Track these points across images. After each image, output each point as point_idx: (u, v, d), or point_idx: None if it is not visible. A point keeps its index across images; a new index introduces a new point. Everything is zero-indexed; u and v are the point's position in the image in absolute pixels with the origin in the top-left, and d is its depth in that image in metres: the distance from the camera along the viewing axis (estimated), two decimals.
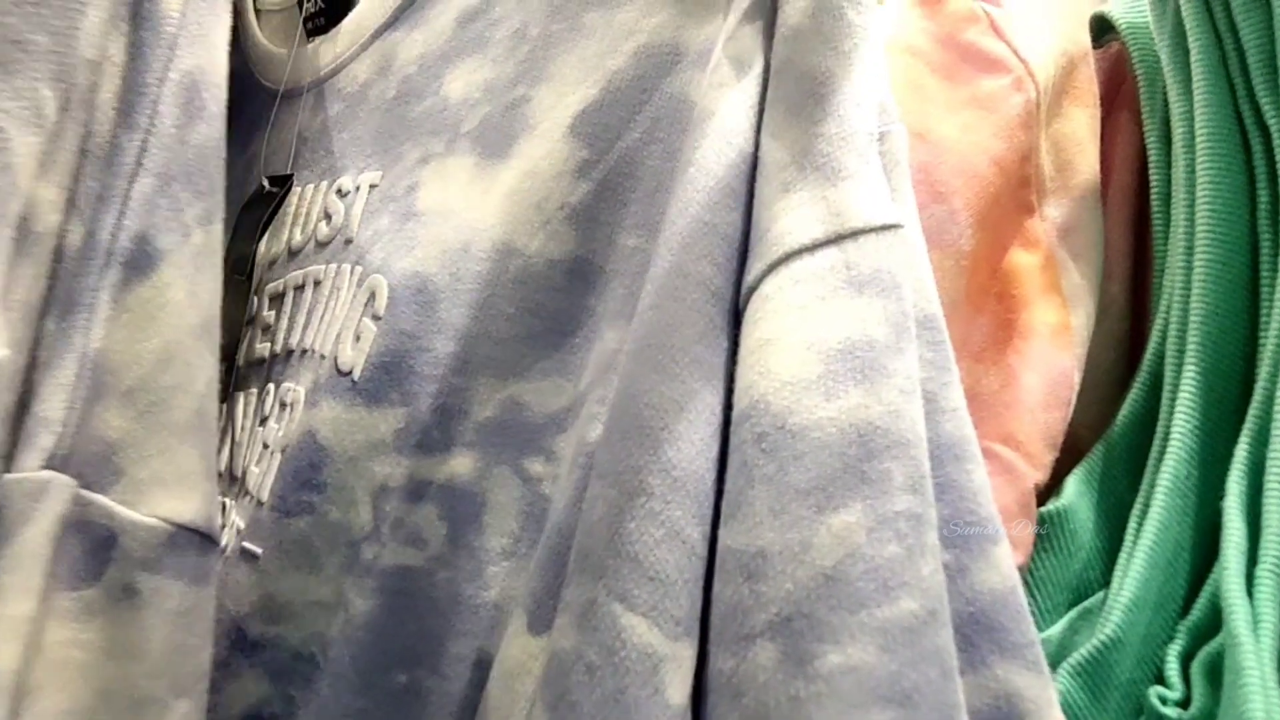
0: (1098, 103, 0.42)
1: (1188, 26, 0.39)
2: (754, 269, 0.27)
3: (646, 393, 0.27)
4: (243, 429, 0.42)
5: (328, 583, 0.34)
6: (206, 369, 0.34)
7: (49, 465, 0.30)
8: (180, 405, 0.33)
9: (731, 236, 0.28)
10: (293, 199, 0.44)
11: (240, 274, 0.43)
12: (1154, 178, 0.41)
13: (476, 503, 0.32)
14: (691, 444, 0.26)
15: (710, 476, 0.26)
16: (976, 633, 0.26)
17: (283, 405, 0.39)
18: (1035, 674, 0.26)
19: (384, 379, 0.34)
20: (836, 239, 0.26)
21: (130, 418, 0.31)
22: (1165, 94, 0.40)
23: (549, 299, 0.33)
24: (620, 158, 0.32)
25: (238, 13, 0.54)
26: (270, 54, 0.50)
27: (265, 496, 0.36)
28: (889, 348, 0.26)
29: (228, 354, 0.42)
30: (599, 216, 0.32)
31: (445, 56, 0.38)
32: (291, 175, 0.44)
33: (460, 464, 0.32)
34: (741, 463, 0.25)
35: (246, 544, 0.36)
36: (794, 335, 0.26)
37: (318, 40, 0.46)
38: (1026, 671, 0.26)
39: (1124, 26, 0.42)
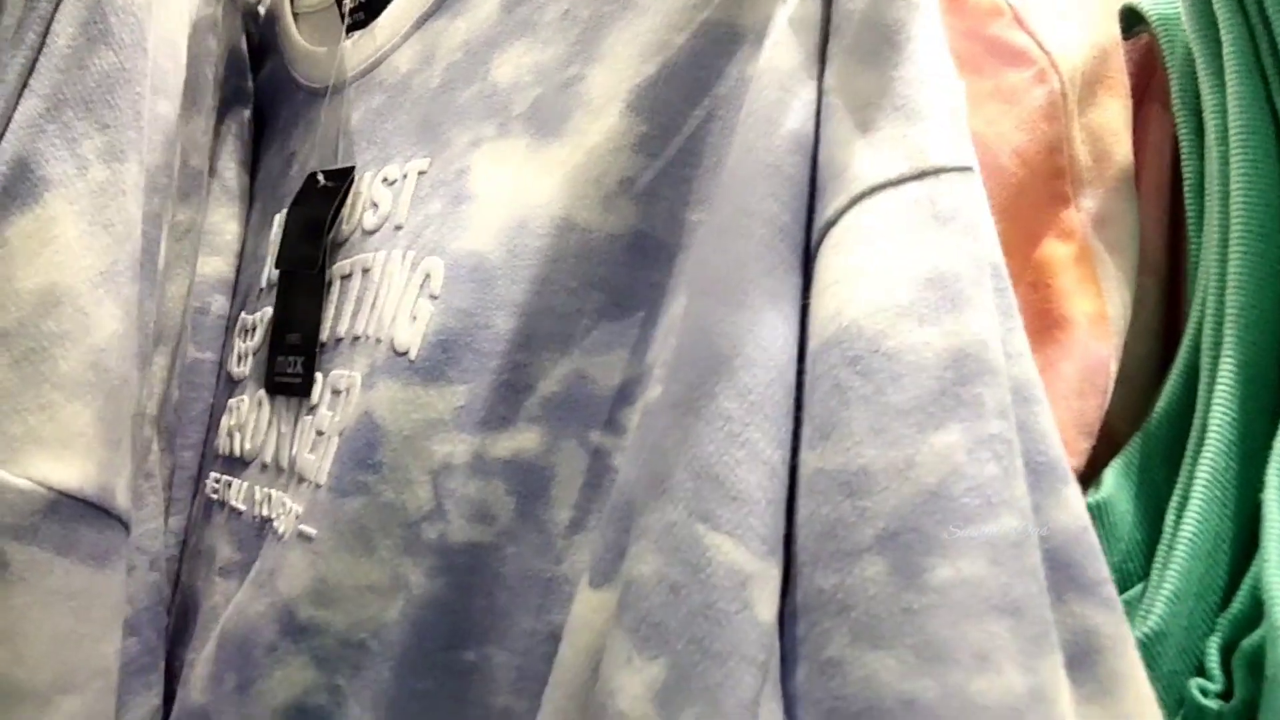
0: (1129, 93, 0.42)
1: (1219, 18, 0.39)
2: (832, 204, 0.28)
3: (719, 323, 0.27)
4: (290, 419, 0.43)
5: (380, 566, 0.34)
6: (110, 321, 0.30)
7: None
8: (67, 356, 0.29)
9: (795, 178, 0.28)
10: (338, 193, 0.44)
11: (309, 267, 0.43)
12: (1187, 170, 0.40)
13: (544, 476, 0.33)
14: (766, 370, 0.26)
15: (787, 403, 0.27)
16: (1052, 569, 0.25)
17: (335, 392, 0.39)
18: (1110, 611, 0.25)
19: (442, 357, 0.34)
20: (920, 175, 0.27)
21: (5, 365, 0.27)
22: (1197, 86, 0.40)
23: (611, 273, 0.33)
24: (680, 133, 0.33)
25: (276, 16, 0.55)
26: (308, 53, 0.51)
27: (323, 479, 0.36)
28: (973, 281, 0.26)
29: (305, 349, 0.43)
30: (659, 192, 0.33)
31: (492, 41, 0.38)
32: (352, 168, 0.44)
33: (527, 439, 0.33)
34: (834, 385, 0.26)
35: (303, 526, 0.36)
36: (883, 263, 0.26)
37: (356, 35, 0.47)
38: (1102, 608, 0.25)
39: (1154, 18, 0.42)
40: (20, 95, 0.30)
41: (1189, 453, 0.35)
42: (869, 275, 0.26)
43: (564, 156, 0.34)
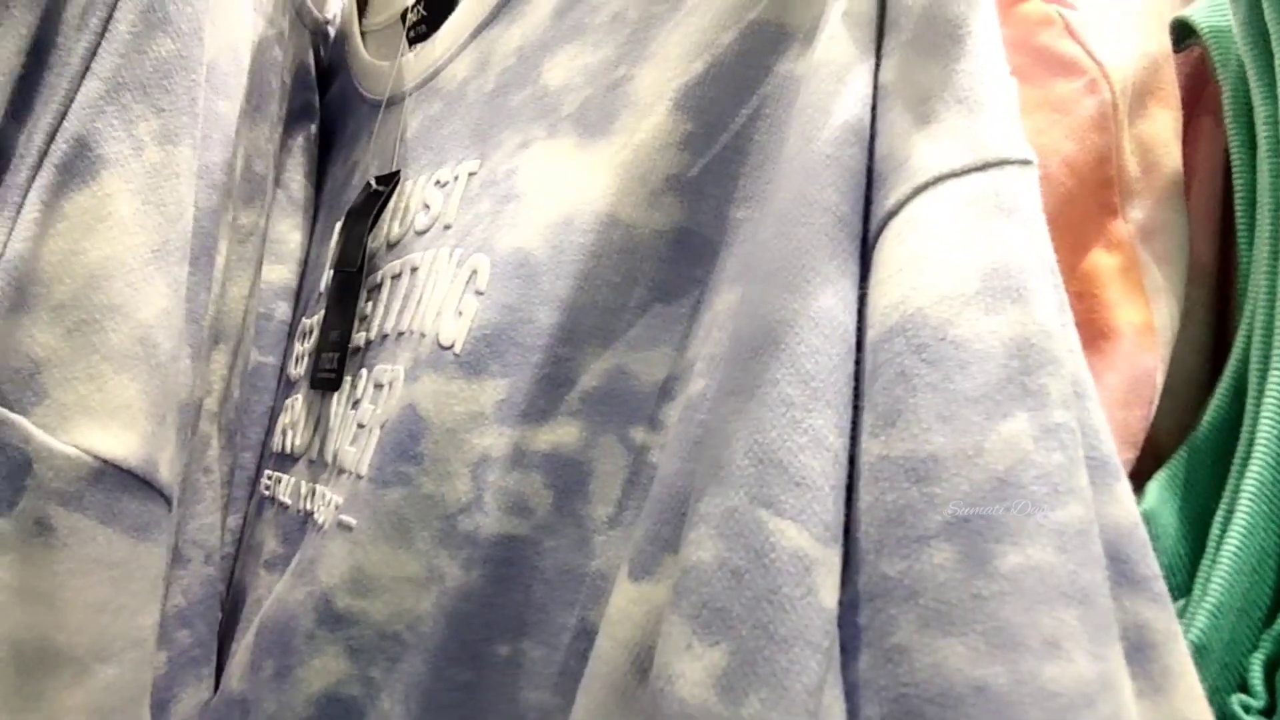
0: (1180, 105, 0.41)
1: (1271, 30, 0.38)
2: (895, 194, 0.28)
3: (779, 310, 0.27)
4: (335, 414, 0.44)
5: (418, 558, 0.34)
6: (159, 299, 0.31)
7: None
8: (116, 329, 0.29)
9: (854, 169, 0.29)
10: (395, 197, 0.45)
11: (351, 267, 0.44)
12: (1238, 183, 0.40)
13: (583, 471, 0.33)
14: (829, 357, 0.27)
15: (848, 390, 0.27)
16: (1106, 564, 0.25)
17: (378, 386, 0.40)
18: (1161, 607, 0.25)
19: (486, 351, 0.34)
20: (984, 166, 0.27)
21: (59, 335, 0.28)
22: (1249, 98, 0.40)
23: (655, 269, 0.33)
24: (726, 131, 0.33)
25: (346, 35, 0.57)
26: (372, 67, 0.53)
27: (364, 470, 0.37)
28: (1036, 272, 0.26)
29: (341, 345, 0.44)
30: (705, 189, 0.33)
31: (544, 46, 0.39)
32: (398, 172, 0.46)
33: (566, 433, 0.33)
34: (899, 373, 0.26)
35: (343, 516, 0.36)
36: (948, 252, 0.26)
37: (418, 48, 0.48)
38: (1154, 604, 0.25)
39: (1206, 30, 0.42)
40: (83, 77, 0.30)
41: (1236, 466, 0.35)
42: (934, 264, 0.26)
43: (610, 154, 0.34)
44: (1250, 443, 0.35)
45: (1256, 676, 0.32)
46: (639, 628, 0.28)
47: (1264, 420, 0.34)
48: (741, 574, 0.25)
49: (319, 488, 0.42)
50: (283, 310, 0.52)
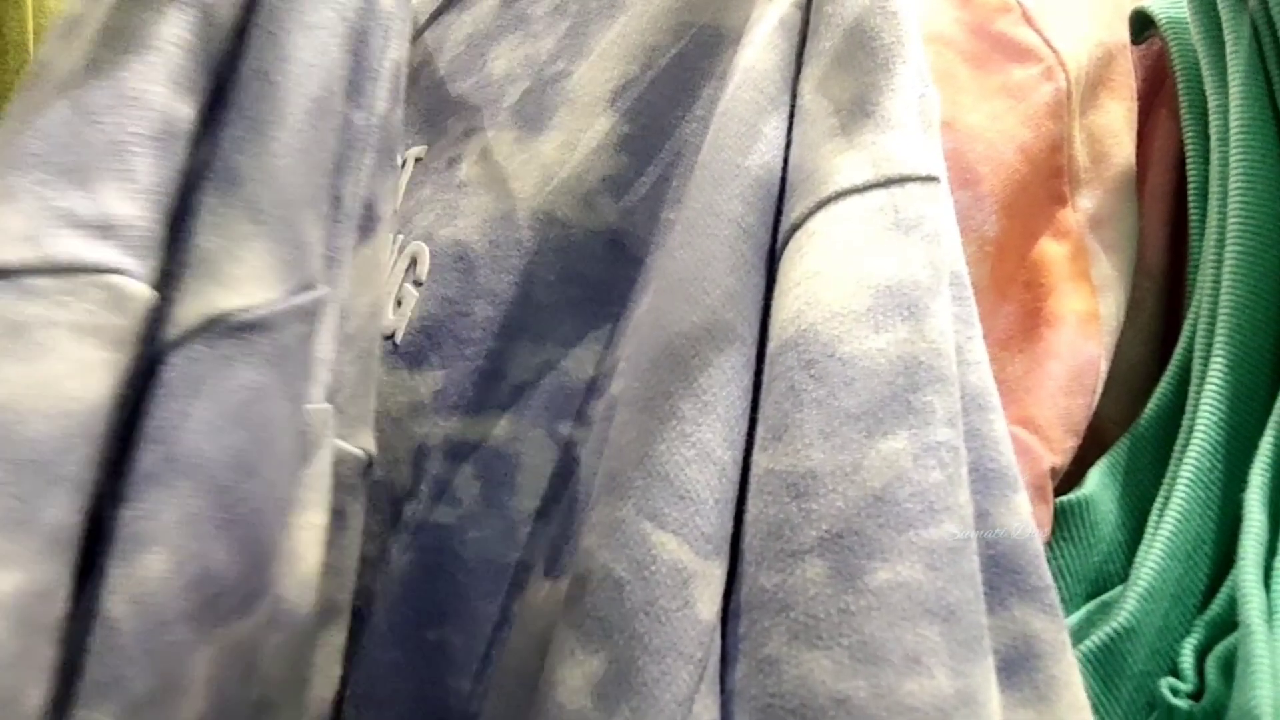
0: (1134, 96, 0.41)
1: (1224, 20, 0.39)
2: (799, 206, 0.28)
3: (677, 322, 0.27)
4: None
5: (372, 540, 0.34)
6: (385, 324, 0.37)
7: (328, 399, 0.32)
8: (376, 354, 0.35)
9: (765, 180, 0.29)
10: None
11: None
12: (1191, 173, 0.40)
13: (510, 464, 0.33)
14: (723, 371, 0.27)
15: (742, 404, 0.27)
16: (996, 575, 0.26)
17: None
18: (1051, 617, 0.26)
19: (425, 342, 0.35)
20: (886, 182, 0.27)
21: (349, 361, 0.33)
22: (1203, 89, 0.40)
23: (589, 268, 0.33)
24: (662, 133, 0.33)
25: None
26: None
27: None
28: (930, 290, 0.26)
29: None
30: (640, 191, 0.33)
31: (490, 35, 0.39)
32: None
33: (496, 425, 0.33)
34: (788, 387, 0.26)
35: None
36: (843, 269, 0.26)
37: None
38: (1043, 614, 0.26)
39: (1164, 21, 0.42)
40: (366, 149, 0.34)
41: (1175, 454, 0.35)
42: (828, 280, 0.26)
43: (548, 152, 0.34)
44: (1190, 430, 0.35)
45: (1187, 661, 0.32)
46: (551, 624, 0.28)
47: (1204, 407, 0.35)
48: (623, 585, 0.25)
49: None
50: None
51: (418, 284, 0.36)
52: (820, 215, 0.27)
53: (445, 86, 0.41)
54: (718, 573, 0.26)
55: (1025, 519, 0.27)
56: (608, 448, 0.28)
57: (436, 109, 0.41)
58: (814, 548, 0.24)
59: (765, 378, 0.27)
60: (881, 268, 0.26)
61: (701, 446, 0.26)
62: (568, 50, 0.35)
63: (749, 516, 0.26)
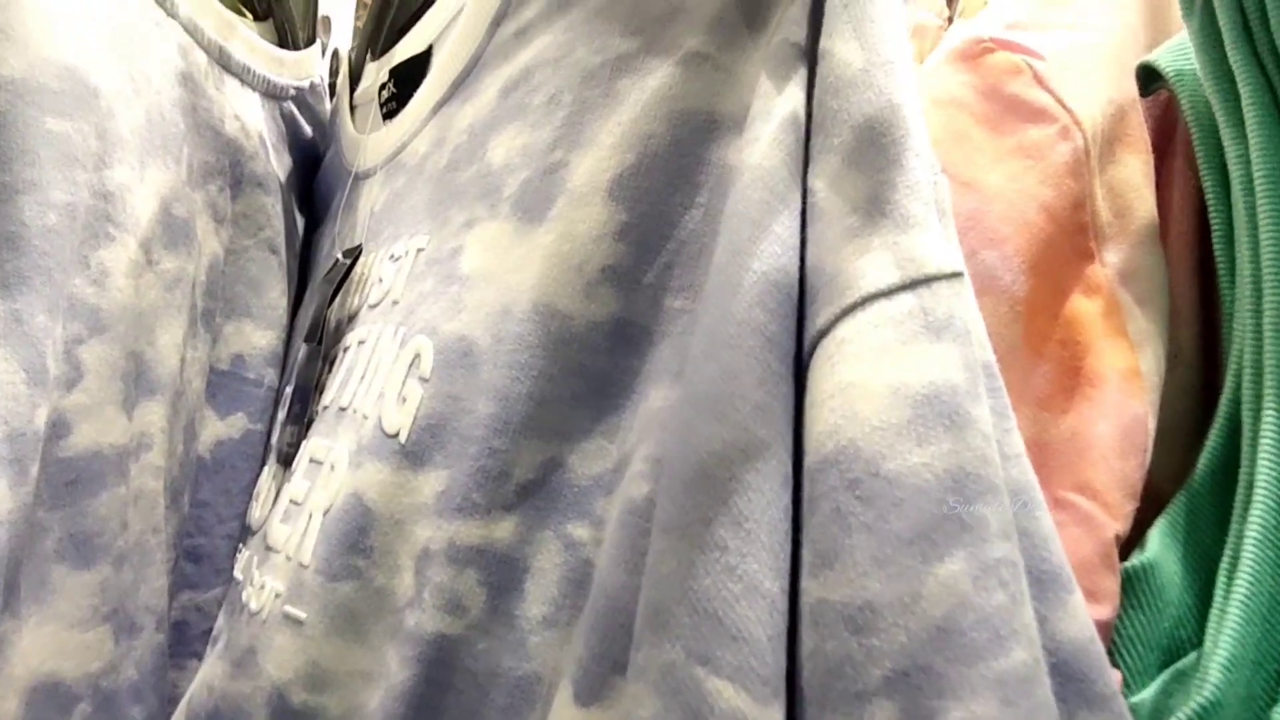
0: (1150, 149, 0.41)
1: (1236, 72, 0.39)
2: (823, 313, 0.27)
3: (708, 441, 0.26)
4: (271, 485, 0.43)
5: (371, 652, 0.33)
6: None
7: None
8: None
9: (783, 284, 0.28)
10: (358, 269, 0.45)
11: (311, 340, 0.44)
12: (1214, 222, 0.40)
13: (518, 569, 0.31)
14: (762, 493, 0.26)
15: (784, 526, 0.26)
16: (1061, 684, 0.24)
17: (314, 461, 0.39)
18: None
19: (430, 441, 0.34)
20: (912, 284, 0.26)
21: None
22: (1218, 138, 0.40)
23: (591, 360, 0.32)
24: (661, 221, 0.32)
25: (338, 108, 0.58)
26: (355, 139, 0.54)
27: (308, 559, 0.36)
28: (969, 393, 0.25)
29: (300, 419, 0.43)
30: (641, 280, 0.32)
31: (490, 125, 0.39)
32: (360, 246, 0.46)
33: (501, 528, 0.32)
34: (834, 510, 0.25)
35: (289, 609, 0.35)
36: (879, 379, 0.25)
37: (390, 122, 0.49)
38: None
39: (1172, 74, 0.42)
40: None
41: (1237, 510, 0.34)
42: (864, 392, 0.25)
43: (547, 243, 0.34)
44: (1250, 486, 0.34)
45: None
46: None
47: (1262, 462, 0.34)
48: None
49: (254, 566, 0.41)
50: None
51: (423, 380, 0.35)
52: (848, 322, 0.26)
53: (448, 176, 0.40)
54: (778, 716, 0.24)
55: (1084, 621, 0.26)
56: (647, 576, 0.27)
57: (439, 199, 0.40)
58: (881, 689, 0.23)
59: (806, 496, 0.26)
60: (917, 376, 0.25)
61: (749, 580, 0.25)
62: (565, 140, 0.35)
63: (804, 651, 0.25)
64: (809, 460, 0.26)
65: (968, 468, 0.24)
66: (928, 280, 0.26)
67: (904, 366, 0.25)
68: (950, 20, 0.56)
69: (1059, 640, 0.25)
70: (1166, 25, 0.47)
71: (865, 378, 0.25)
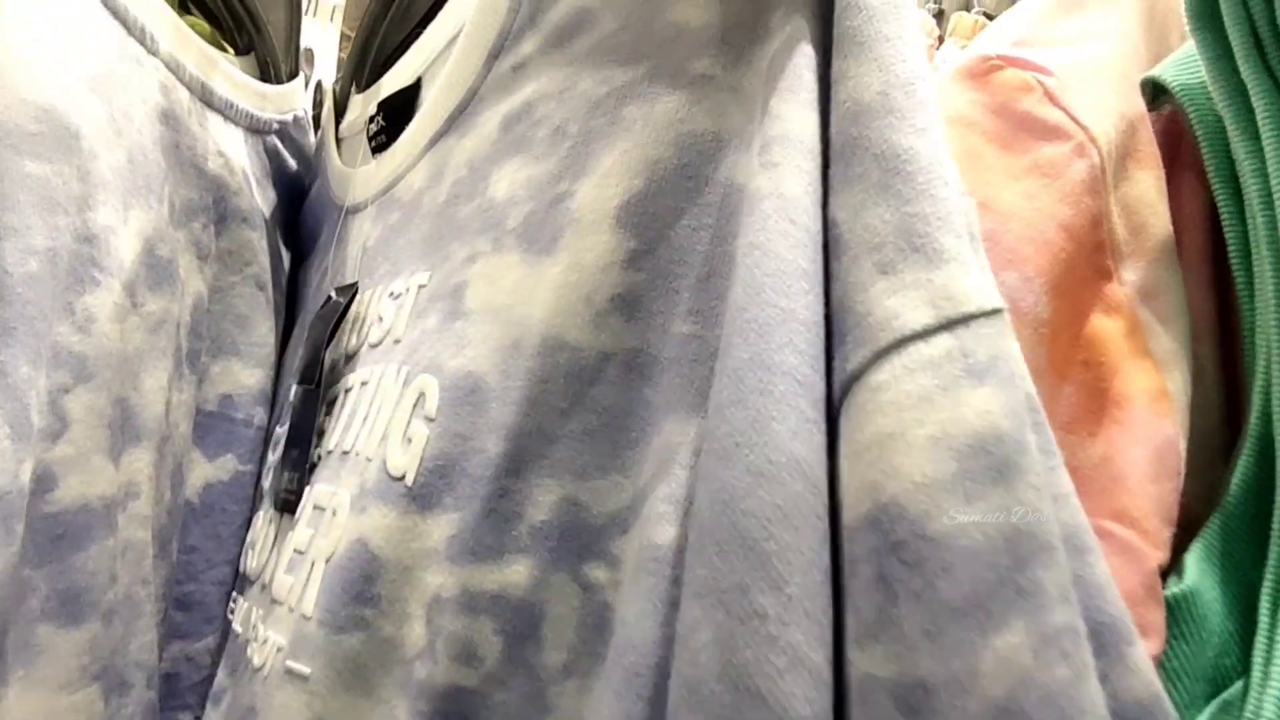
0: (1161, 164, 0.41)
1: (1249, 85, 0.38)
2: (855, 356, 0.25)
3: (743, 499, 0.24)
4: (269, 532, 0.41)
5: (380, 705, 0.31)
6: None
7: None
8: None
9: (810, 321, 0.26)
10: (355, 307, 0.44)
11: (308, 382, 0.43)
12: (1230, 236, 0.39)
13: (534, 614, 0.30)
14: (802, 554, 0.24)
15: (826, 590, 0.24)
16: None
17: (317, 508, 0.37)
18: None
19: (439, 483, 0.32)
20: (949, 324, 0.24)
21: None
22: (1229, 151, 0.39)
23: (603, 393, 0.31)
24: (669, 246, 0.31)
25: (324, 141, 0.57)
26: (343, 174, 0.52)
27: (310, 610, 0.34)
28: (1017, 441, 0.24)
29: (300, 464, 0.42)
30: (651, 306, 0.31)
31: (491, 158, 0.38)
32: (356, 284, 0.44)
33: (515, 572, 0.30)
34: (877, 575, 0.23)
35: (291, 663, 0.34)
36: (919, 430, 0.23)
37: (380, 156, 0.48)
38: None
39: (1178, 89, 0.41)
40: None
41: (1275, 530, 0.33)
42: (904, 445, 0.24)
43: (555, 274, 0.32)
44: None
45: None
46: None
47: None
48: None
49: (257, 619, 0.40)
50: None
51: (429, 420, 0.33)
52: (883, 367, 0.25)
53: (447, 211, 0.39)
54: None
55: (1148, 677, 0.24)
56: (681, 647, 0.25)
57: (440, 235, 0.39)
58: None
59: (846, 557, 0.24)
60: (960, 425, 0.23)
61: (793, 652, 0.23)
62: (570, 170, 0.34)
63: None
64: (847, 517, 0.24)
65: (1020, 525, 0.23)
66: (965, 319, 0.25)
67: (945, 415, 0.24)
68: (940, 40, 0.56)
69: (1122, 700, 0.23)
70: (1167, 39, 0.46)
71: (904, 429, 0.24)
